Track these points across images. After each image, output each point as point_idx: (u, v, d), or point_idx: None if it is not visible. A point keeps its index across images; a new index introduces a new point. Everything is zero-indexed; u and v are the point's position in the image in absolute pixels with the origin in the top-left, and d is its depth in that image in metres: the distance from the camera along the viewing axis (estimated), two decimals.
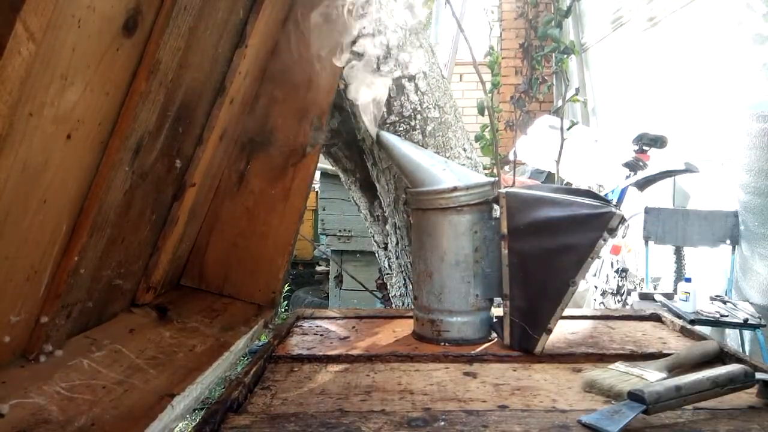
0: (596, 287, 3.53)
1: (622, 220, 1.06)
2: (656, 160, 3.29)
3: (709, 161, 3.24)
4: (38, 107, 0.78)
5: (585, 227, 1.07)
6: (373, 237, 2.09)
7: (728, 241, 2.91)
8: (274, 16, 1.43)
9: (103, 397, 0.94)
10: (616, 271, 3.42)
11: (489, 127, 5.18)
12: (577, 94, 5.44)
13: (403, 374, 1.04)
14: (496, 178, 1.23)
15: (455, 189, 1.20)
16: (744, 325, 2.44)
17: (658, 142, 3.29)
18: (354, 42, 1.33)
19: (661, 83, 4.05)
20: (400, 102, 1.69)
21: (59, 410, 0.87)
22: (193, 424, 0.81)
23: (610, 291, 3.42)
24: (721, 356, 1.07)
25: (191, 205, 1.39)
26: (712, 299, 2.67)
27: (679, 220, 3.04)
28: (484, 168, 2.32)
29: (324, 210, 4.29)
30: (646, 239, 3.08)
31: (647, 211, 3.09)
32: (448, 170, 1.25)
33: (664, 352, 1.11)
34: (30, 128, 0.78)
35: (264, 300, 1.56)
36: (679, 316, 2.25)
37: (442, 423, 0.83)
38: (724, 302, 2.64)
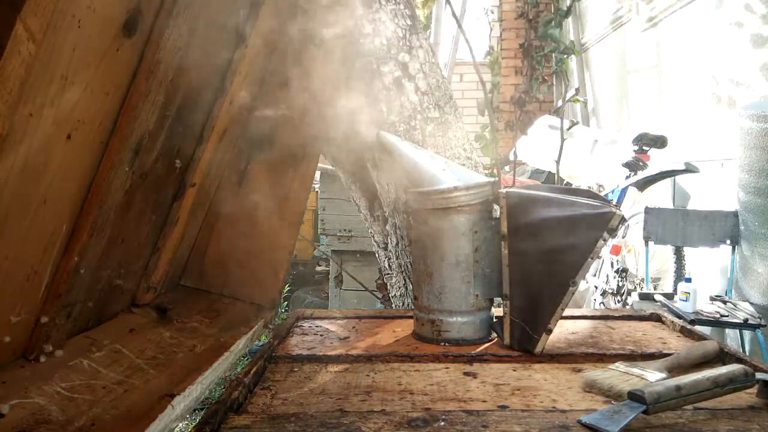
0: (596, 287, 3.52)
1: (622, 220, 1.06)
2: (656, 160, 3.29)
3: (710, 161, 3.24)
4: (38, 107, 0.78)
5: (585, 227, 1.07)
6: (373, 237, 2.09)
7: (728, 241, 2.90)
8: (275, 16, 1.43)
9: (103, 397, 0.94)
10: (616, 271, 3.42)
11: (489, 127, 5.18)
12: (577, 94, 5.43)
13: (403, 374, 1.04)
14: (496, 178, 1.23)
15: (455, 189, 1.20)
16: (744, 325, 2.44)
17: (658, 142, 3.29)
18: None
19: (661, 83, 4.05)
20: (400, 102, 1.69)
21: (59, 410, 0.87)
22: (193, 424, 0.81)
23: (610, 291, 3.42)
24: (721, 356, 1.07)
25: (191, 205, 1.39)
26: (712, 299, 2.67)
27: (679, 220, 3.04)
28: (484, 168, 2.31)
29: (324, 210, 4.28)
30: (646, 239, 3.08)
31: (647, 211, 3.09)
32: (448, 170, 1.25)
33: (664, 352, 1.11)
34: (30, 128, 0.78)
35: (264, 300, 1.56)
36: (679, 316, 2.25)
37: (442, 423, 0.83)
38: (724, 302, 2.64)
